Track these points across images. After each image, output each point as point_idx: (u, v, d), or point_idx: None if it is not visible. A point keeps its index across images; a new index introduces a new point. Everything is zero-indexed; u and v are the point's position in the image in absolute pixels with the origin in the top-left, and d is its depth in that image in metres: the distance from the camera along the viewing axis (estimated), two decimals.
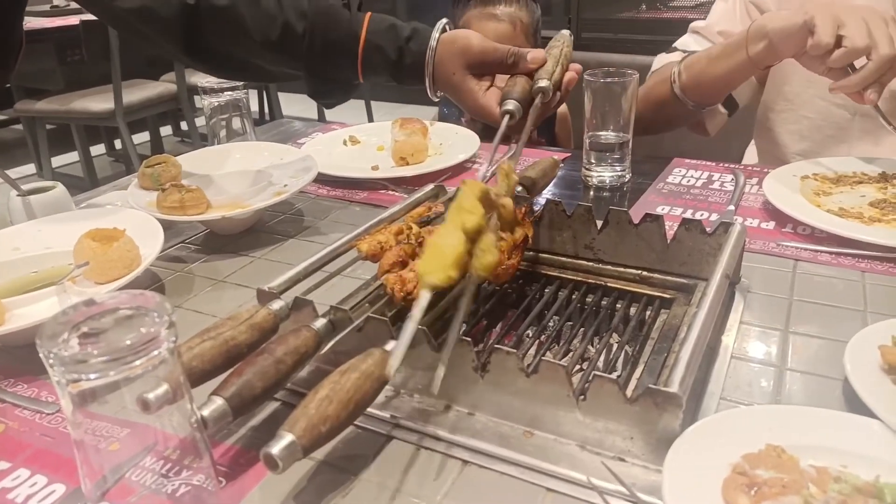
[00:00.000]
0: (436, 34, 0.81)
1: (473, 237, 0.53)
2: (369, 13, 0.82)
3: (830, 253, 0.76)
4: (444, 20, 0.82)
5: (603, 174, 1.00)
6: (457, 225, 0.52)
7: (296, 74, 0.86)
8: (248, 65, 0.86)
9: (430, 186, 0.79)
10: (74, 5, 3.81)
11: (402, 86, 0.84)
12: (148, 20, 0.80)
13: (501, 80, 0.81)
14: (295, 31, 0.81)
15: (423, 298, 0.49)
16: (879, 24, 0.83)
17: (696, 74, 1.09)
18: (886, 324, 0.57)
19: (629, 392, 0.46)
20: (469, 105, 0.81)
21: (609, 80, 0.96)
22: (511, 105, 0.73)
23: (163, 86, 3.34)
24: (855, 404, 0.50)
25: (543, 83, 0.74)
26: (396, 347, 0.47)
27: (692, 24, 1.22)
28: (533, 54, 0.77)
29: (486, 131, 1.35)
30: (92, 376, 0.37)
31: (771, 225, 0.84)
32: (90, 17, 3.32)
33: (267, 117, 4.00)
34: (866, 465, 0.44)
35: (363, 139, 1.22)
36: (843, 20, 0.84)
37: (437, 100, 0.83)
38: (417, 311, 0.48)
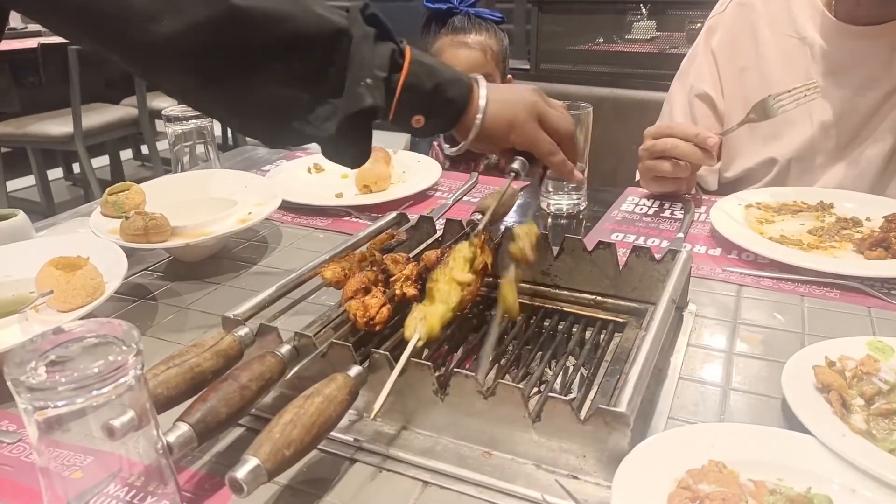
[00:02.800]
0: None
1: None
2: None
3: (772, 278, 0.80)
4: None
5: (560, 202, 1.04)
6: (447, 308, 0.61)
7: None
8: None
9: (393, 214, 0.81)
10: (33, 27, 3.75)
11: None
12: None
13: None
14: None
15: (412, 344, 0.56)
16: None
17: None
18: (820, 345, 0.61)
19: (583, 413, 0.49)
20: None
21: None
22: (517, 164, 0.76)
23: (123, 110, 3.31)
24: (791, 421, 0.53)
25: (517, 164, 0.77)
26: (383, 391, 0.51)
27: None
28: (578, 174, 0.81)
29: (451, 162, 1.38)
30: (59, 403, 0.38)
31: (717, 252, 0.88)
32: (49, 39, 3.29)
33: (230, 143, 3.97)
34: (800, 477, 0.47)
35: (327, 167, 1.23)
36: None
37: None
38: (405, 356, 0.53)
